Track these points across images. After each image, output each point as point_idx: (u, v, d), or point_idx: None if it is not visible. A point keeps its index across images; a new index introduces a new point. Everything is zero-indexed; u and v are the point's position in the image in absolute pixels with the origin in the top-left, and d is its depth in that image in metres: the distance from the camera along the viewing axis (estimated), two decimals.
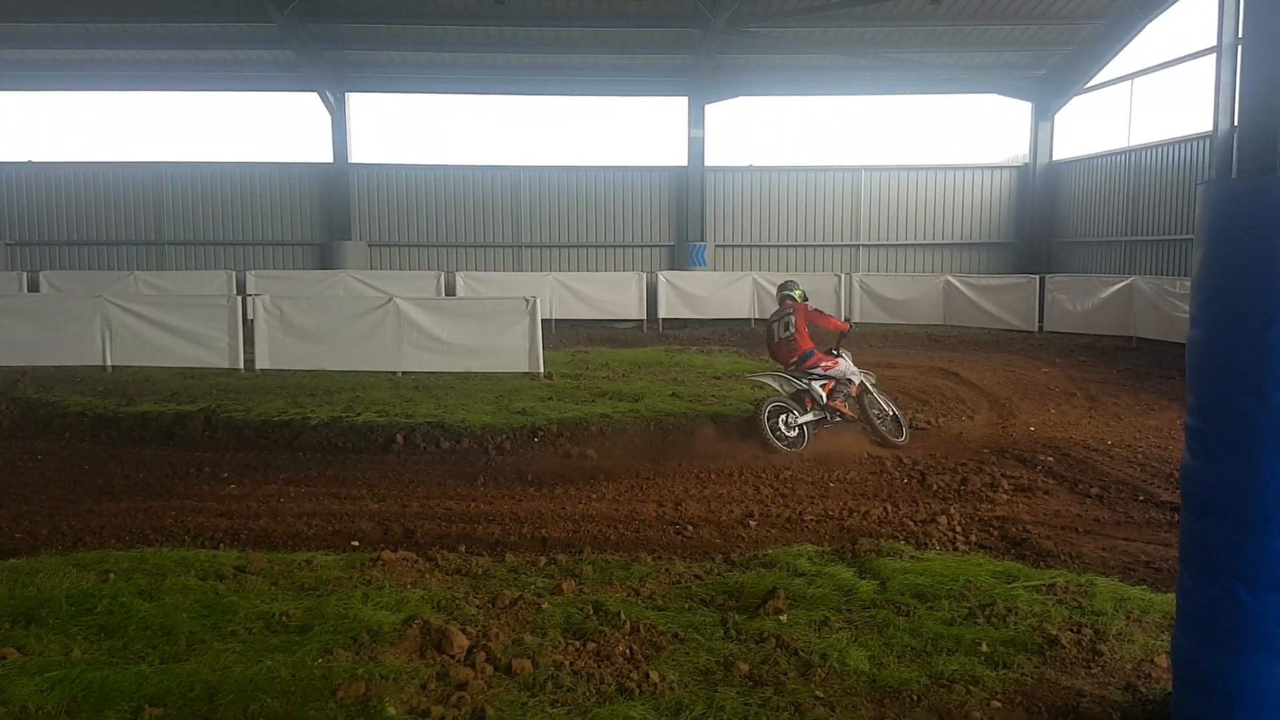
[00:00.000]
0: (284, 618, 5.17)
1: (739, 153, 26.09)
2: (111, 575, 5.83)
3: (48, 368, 14.28)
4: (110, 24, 22.58)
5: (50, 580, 5.70)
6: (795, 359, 10.49)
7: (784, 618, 5.31)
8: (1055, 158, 25.32)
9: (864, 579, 5.94)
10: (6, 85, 25.36)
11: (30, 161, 25.57)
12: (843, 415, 10.46)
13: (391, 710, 4.21)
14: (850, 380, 10.54)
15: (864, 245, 25.97)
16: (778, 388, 10.29)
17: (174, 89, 25.48)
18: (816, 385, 10.32)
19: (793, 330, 10.55)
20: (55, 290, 21.35)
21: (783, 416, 10.01)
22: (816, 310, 10.90)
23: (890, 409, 10.59)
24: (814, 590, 5.73)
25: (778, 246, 25.99)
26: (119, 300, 14.99)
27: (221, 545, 6.95)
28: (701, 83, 24.68)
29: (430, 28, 22.82)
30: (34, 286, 21.85)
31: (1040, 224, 25.34)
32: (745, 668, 4.71)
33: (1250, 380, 3.62)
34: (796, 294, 10.89)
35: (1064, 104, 24.80)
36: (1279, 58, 5.87)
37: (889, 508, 7.98)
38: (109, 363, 14.57)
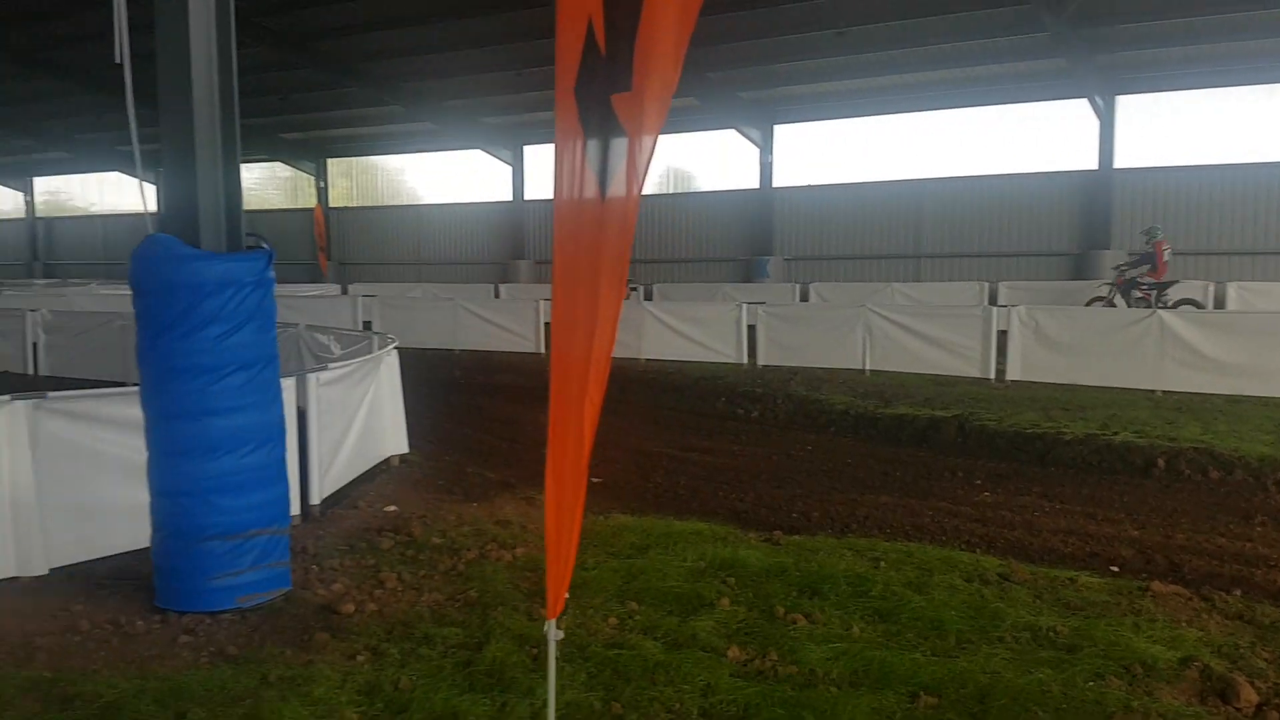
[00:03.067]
0: (1051, 633, 5.10)
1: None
2: (882, 563, 6.31)
3: (815, 369, 15.95)
4: (886, 53, 24.44)
5: (828, 559, 6.36)
6: None
7: None
8: None
9: None
10: (790, 119, 29.03)
11: (807, 186, 29.03)
12: None
13: None
14: None
15: None
16: None
17: (940, 108, 26.64)
18: None
19: None
20: (822, 300, 23.91)
21: None
22: None
23: None
24: None
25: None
26: (879, 309, 16.18)
27: (977, 550, 7.09)
28: None
29: (1204, 19, 20.74)
30: (805, 296, 24.79)
31: None
32: None
33: None
34: None
35: None
36: None
37: None
38: (867, 367, 15.79)
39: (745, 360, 16.99)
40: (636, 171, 2.86)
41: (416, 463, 9.74)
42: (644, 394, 14.53)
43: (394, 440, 9.71)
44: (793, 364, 16.29)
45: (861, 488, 9.29)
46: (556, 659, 3.69)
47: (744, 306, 17.43)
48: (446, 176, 36.37)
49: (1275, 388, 12.37)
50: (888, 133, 27.93)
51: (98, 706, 4.30)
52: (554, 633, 3.54)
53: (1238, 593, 6.10)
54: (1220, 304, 19.89)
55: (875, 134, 28.14)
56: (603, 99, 2.88)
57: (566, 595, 3.57)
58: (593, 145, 3.00)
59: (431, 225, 36.36)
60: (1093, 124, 24.35)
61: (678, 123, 29.41)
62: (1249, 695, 4.43)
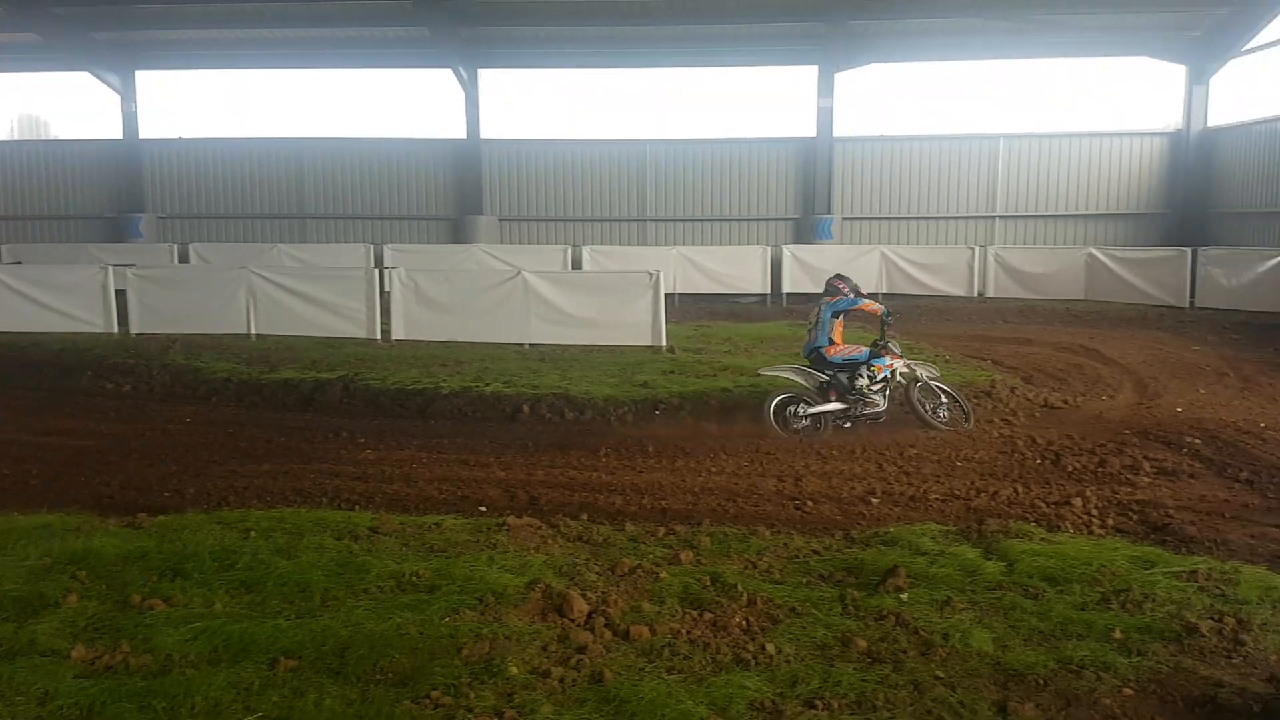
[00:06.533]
0: (414, 578, 5.37)
1: (870, 122, 25.52)
2: (252, 533, 6.16)
3: (196, 335, 15.00)
4: (252, 3, 23.40)
5: (195, 536, 6.07)
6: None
7: (904, 596, 5.24)
8: (1211, 124, 23.87)
9: (990, 560, 5.81)
10: (155, 64, 26.61)
11: (180, 138, 26.91)
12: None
13: (514, 669, 4.34)
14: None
15: (1000, 217, 25.03)
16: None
17: (313, 67, 26.32)
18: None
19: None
20: (204, 262, 22.49)
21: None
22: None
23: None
24: (937, 570, 5.62)
25: (908, 219, 25.28)
26: (263, 271, 15.66)
27: (357, 507, 7.22)
28: (832, 51, 24.12)
29: (560, 0, 23.00)
30: (184, 258, 23.05)
31: (1194, 194, 23.92)
32: (863, 644, 4.67)
33: None
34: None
35: (1221, 67, 23.33)
36: None
37: (1019, 489, 7.73)
38: (253, 331, 15.24)
39: (116, 329, 15.43)
40: None
41: None
42: None
43: None
44: (171, 331, 15.17)
45: (243, 458, 8.98)
46: None
47: (110, 269, 15.77)
48: None
49: (618, 337, 14.29)
50: (269, 88, 27.02)
51: None
52: None
53: (583, 517, 6.94)
54: (578, 265, 22.38)
55: (255, 88, 27.09)
56: None
57: None
58: None
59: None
60: (460, 94, 25.67)
61: (19, 61, 25.57)
62: (581, 606, 5.07)
